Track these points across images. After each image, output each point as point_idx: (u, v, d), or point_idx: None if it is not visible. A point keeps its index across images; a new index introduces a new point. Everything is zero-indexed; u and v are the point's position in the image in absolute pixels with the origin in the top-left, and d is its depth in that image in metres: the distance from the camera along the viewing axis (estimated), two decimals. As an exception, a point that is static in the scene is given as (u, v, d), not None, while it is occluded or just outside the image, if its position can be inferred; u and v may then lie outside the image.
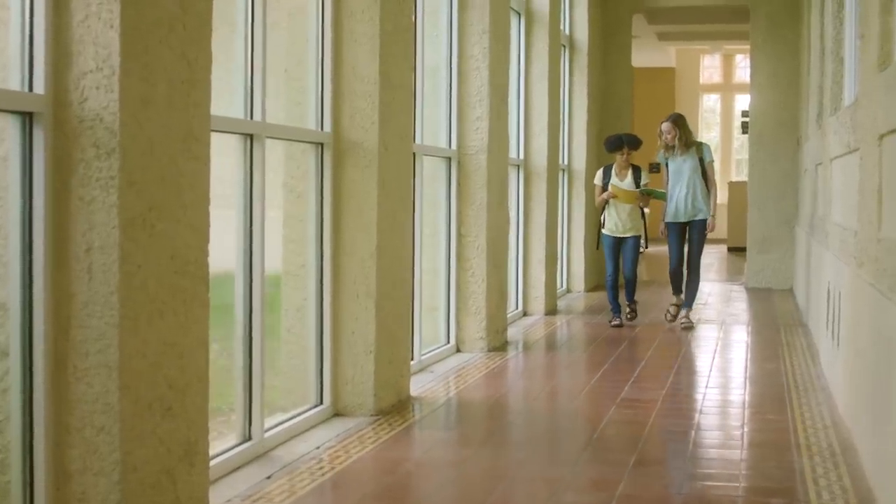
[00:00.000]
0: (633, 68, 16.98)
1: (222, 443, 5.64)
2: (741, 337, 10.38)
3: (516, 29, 11.64)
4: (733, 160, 27.14)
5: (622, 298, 11.15)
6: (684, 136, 10.73)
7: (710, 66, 27.51)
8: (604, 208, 11.01)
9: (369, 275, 6.69)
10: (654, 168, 10.82)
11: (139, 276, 4.08)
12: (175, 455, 4.34)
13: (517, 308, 11.74)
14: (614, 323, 10.87)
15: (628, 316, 11.13)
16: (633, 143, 10.96)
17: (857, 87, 7.20)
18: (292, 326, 6.80)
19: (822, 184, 9.46)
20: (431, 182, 9.28)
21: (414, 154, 8.18)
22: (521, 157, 11.80)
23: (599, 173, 11.12)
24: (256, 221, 5.70)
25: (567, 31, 14.10)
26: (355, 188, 6.69)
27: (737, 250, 20.85)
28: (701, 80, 27.34)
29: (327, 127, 6.66)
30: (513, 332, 10.46)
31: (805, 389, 7.56)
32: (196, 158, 4.49)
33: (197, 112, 4.49)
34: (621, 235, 10.94)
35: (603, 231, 11.06)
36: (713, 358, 9.09)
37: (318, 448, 5.88)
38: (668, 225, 10.87)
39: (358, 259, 6.69)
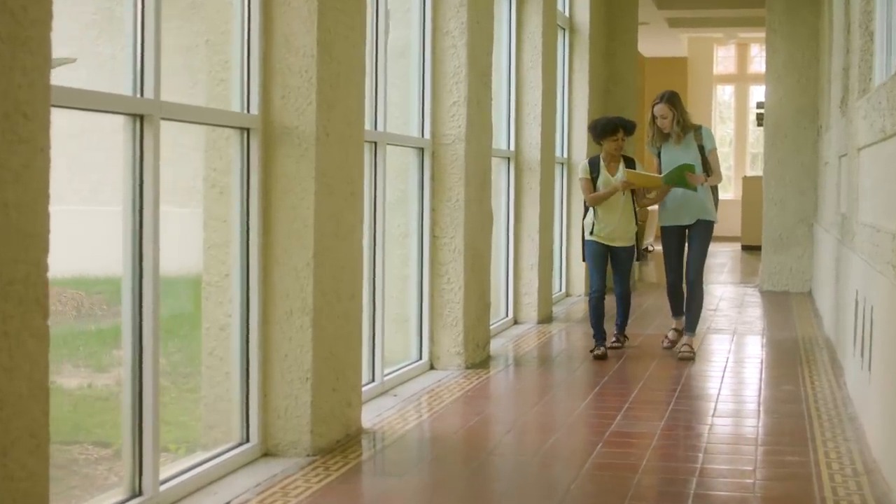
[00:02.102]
0: (640, 55, 15.85)
1: (102, 501, 4.54)
2: (755, 351, 9.21)
3: (507, 7, 10.49)
4: (748, 154, 25.96)
5: (611, 320, 9.11)
6: (682, 120, 8.70)
7: (724, 56, 26.31)
8: (587, 209, 8.97)
9: (305, 287, 5.56)
10: (630, 164, 8.83)
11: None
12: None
13: (507, 316, 10.60)
14: (597, 353, 8.64)
15: (613, 342, 9.06)
16: (630, 126, 8.91)
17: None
18: (215, 349, 5.68)
19: (848, 178, 8.29)
20: (401, 175, 8.15)
21: (376, 143, 7.06)
22: (512, 148, 10.65)
23: (585, 166, 8.93)
24: (148, 222, 4.58)
25: (566, 13, 12.93)
26: (288, 183, 5.56)
27: (751, 249, 19.69)
28: (715, 71, 26.13)
29: (254, 109, 5.53)
30: (498, 345, 9.33)
31: (830, 420, 6.41)
32: (25, 142, 3.36)
33: (26, 81, 3.36)
34: (612, 244, 8.84)
35: (588, 237, 8.91)
36: (722, 377, 7.93)
37: (228, 504, 4.76)
38: (663, 230, 8.86)
39: (291, 268, 5.56)
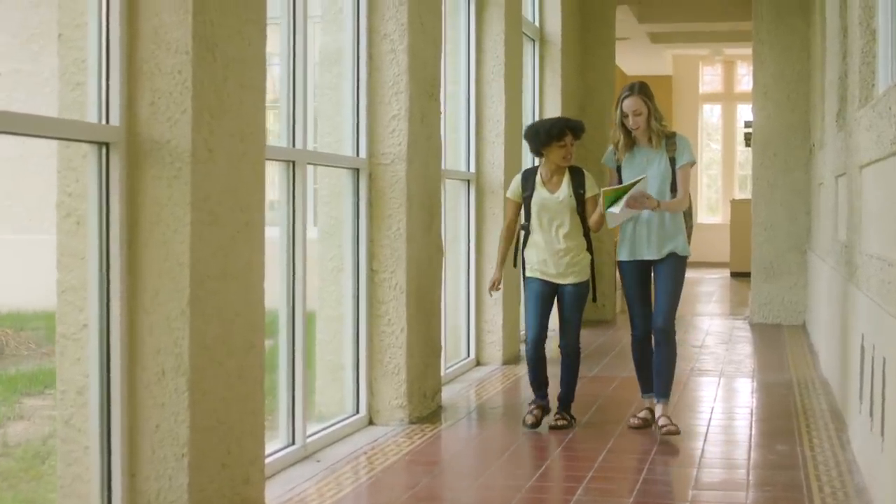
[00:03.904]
0: (620, 72, 14.77)
1: None
2: (744, 399, 8.09)
3: (464, 11, 9.41)
4: (736, 176, 24.91)
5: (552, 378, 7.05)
6: (657, 122, 6.69)
7: (710, 74, 25.30)
8: (518, 236, 7.12)
9: (180, 341, 4.45)
10: (578, 176, 6.89)
11: None
12: None
13: (467, 356, 9.48)
14: (529, 421, 6.79)
15: (557, 419, 6.90)
16: (578, 128, 6.93)
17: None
18: (72, 416, 4.57)
19: (848, 200, 7.21)
20: (334, 201, 7.06)
21: (293, 163, 5.97)
22: (472, 170, 9.56)
23: (516, 182, 7.04)
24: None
25: (536, 23, 11.87)
26: (159, 211, 4.46)
27: (740, 275, 18.60)
28: (701, 90, 25.11)
29: (115, 118, 4.43)
30: (454, 392, 8.20)
31: (834, 493, 5.30)
32: None
33: None
34: (555, 281, 6.90)
35: (526, 274, 7.03)
36: (706, 435, 6.81)
37: None
38: (621, 267, 6.81)
39: (162, 318, 4.46)
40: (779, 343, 10.96)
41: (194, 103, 4.44)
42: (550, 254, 6.85)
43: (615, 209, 6.41)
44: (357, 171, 6.99)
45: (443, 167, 8.29)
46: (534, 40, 11.78)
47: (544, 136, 6.84)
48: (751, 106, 13.68)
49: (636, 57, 21.01)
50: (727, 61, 24.50)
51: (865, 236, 6.17)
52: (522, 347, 9.81)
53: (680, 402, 7.71)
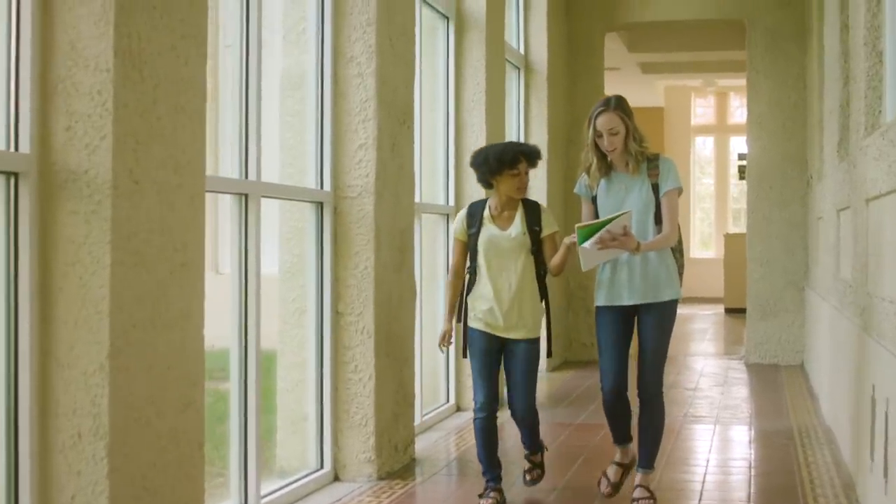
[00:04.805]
0: (608, 100, 14.25)
1: None
2: (741, 451, 7.49)
3: (442, 34, 8.89)
4: (730, 210, 24.39)
5: (513, 448, 6.50)
6: (636, 143, 5.64)
7: (702, 106, 24.83)
8: (464, 281, 5.95)
9: (98, 400, 3.88)
10: (533, 211, 5.87)
11: None
12: None
13: (447, 401, 8.90)
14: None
15: (528, 477, 6.17)
16: (534, 154, 5.82)
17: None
18: (-24, 486, 3.99)
19: (853, 235, 6.67)
20: (296, 237, 6.50)
21: (246, 196, 5.43)
22: (451, 203, 9.01)
23: (461, 218, 5.96)
24: None
25: (521, 50, 11.37)
26: (75, 250, 3.90)
27: (735, 311, 18.05)
28: (693, 122, 24.63)
29: (25, 145, 3.88)
30: (431, 442, 7.63)
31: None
32: None
33: None
34: (503, 335, 5.82)
35: (469, 325, 5.87)
36: (701, 491, 6.23)
37: None
38: (599, 312, 5.75)
39: (79, 373, 3.89)
40: (776, 385, 10.39)
41: (116, 128, 3.89)
42: (498, 302, 5.74)
43: (588, 244, 5.43)
44: (321, 204, 6.44)
45: (417, 200, 7.76)
46: (518, 68, 11.28)
47: (494, 162, 5.71)
48: (745, 138, 13.16)
49: (627, 88, 20.48)
50: (720, 93, 24.05)
51: (875, 276, 5.62)
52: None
53: (672, 453, 7.14)
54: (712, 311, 19.39)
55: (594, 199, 5.75)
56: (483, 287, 5.79)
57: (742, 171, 19.39)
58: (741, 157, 20.49)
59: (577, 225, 5.51)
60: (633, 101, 20.63)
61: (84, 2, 3.88)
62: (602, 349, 5.72)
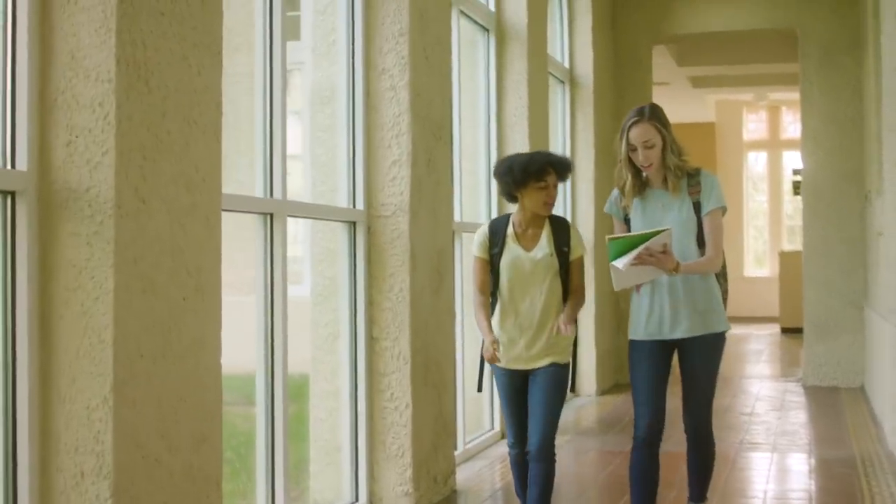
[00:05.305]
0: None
1: None
2: (801, 481, 7.08)
3: (483, 45, 8.58)
4: (784, 227, 23.85)
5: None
6: (674, 156, 4.99)
7: (753, 122, 24.34)
8: (489, 306, 5.25)
9: (102, 436, 3.58)
10: (562, 228, 5.25)
11: None
12: None
13: (492, 428, 8.55)
14: None
15: None
16: (564, 167, 5.22)
17: None
18: (-27, 530, 3.71)
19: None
20: (328, 259, 6.21)
21: (271, 216, 5.14)
22: (494, 222, 8.66)
23: (482, 235, 5.32)
24: None
25: (566, 63, 11.04)
26: (76, 275, 3.61)
27: (791, 331, 17.55)
28: (745, 137, 24.14)
29: (22, 162, 3.60)
30: (473, 473, 7.28)
31: None
32: None
33: None
34: (527, 367, 5.18)
35: (487, 359, 5.14)
36: (759, 526, 5.86)
37: None
38: (634, 346, 5.08)
39: (81, 407, 3.60)
40: (836, 410, 9.94)
41: (119, 142, 3.61)
42: (521, 331, 5.14)
43: (620, 263, 4.76)
44: (353, 224, 6.15)
45: (457, 219, 7.44)
46: (563, 82, 10.95)
47: (519, 172, 5.10)
48: (798, 153, 12.72)
49: (677, 103, 20.09)
50: (771, 107, 23.56)
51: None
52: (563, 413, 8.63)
53: (728, 483, 6.75)
54: (768, 330, 18.87)
55: (627, 220, 5.11)
56: (505, 315, 5.19)
57: (797, 187, 18.88)
58: (795, 172, 19.99)
59: (608, 236, 4.90)
60: (684, 117, 20.22)
61: (84, 9, 3.61)
62: (637, 390, 5.02)
